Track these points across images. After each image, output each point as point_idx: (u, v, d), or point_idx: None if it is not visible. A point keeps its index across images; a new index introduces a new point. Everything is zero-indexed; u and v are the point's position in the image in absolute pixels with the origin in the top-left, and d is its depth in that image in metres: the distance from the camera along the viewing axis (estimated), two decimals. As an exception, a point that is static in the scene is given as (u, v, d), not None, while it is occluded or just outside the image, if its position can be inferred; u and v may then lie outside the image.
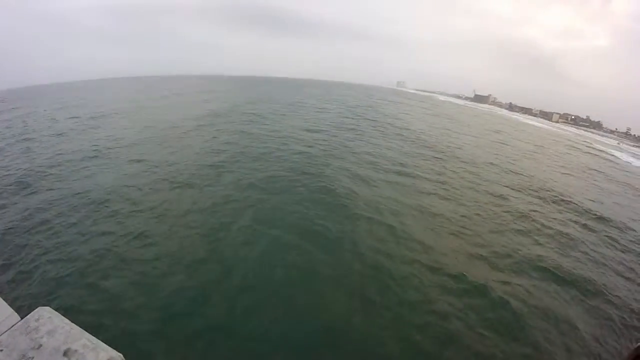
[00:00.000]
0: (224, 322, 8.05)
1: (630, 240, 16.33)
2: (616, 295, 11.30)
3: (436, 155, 26.75)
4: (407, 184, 18.54)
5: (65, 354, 1.70)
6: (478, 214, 16.12)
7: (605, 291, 11.40)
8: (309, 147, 24.22)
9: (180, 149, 22.05)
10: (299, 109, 50.16)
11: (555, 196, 21.11)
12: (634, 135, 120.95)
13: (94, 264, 10.06)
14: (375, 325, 8.32)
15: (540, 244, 14.04)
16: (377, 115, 50.69)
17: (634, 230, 17.72)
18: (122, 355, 1.79)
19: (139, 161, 19.24)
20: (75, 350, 1.72)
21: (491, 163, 27.63)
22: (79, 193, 14.95)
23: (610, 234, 16.59)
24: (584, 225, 17.10)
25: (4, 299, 2.17)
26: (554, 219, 17.31)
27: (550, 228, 15.90)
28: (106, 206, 13.72)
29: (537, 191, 21.65)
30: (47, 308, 2.04)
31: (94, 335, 1.92)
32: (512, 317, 9.25)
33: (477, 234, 14.01)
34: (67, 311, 7.65)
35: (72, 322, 1.94)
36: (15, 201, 14.49)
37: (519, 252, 12.96)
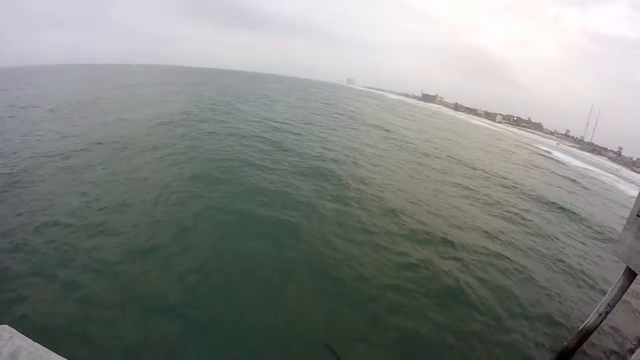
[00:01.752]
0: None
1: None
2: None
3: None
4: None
5: None
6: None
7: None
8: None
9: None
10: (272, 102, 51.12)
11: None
12: (573, 136, 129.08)
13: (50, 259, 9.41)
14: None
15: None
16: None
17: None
18: None
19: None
20: None
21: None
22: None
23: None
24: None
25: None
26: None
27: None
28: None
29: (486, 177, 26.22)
30: (6, 326, 1.76)
31: (60, 354, 1.70)
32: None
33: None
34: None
35: (35, 341, 1.72)
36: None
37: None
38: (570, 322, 10.38)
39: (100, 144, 19.62)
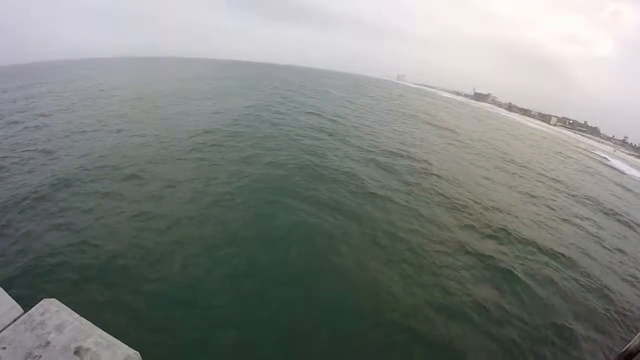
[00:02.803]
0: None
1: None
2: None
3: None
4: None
5: (76, 352, 1.50)
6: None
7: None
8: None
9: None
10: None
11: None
12: (631, 144, 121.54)
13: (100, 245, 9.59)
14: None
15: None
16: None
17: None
18: (139, 354, 1.60)
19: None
20: (88, 349, 1.51)
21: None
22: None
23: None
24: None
25: (3, 289, 1.96)
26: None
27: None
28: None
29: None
30: (53, 300, 1.82)
31: (105, 331, 1.72)
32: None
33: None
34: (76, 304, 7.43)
35: (81, 316, 1.75)
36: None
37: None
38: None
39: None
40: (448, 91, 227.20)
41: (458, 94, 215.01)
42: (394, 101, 67.16)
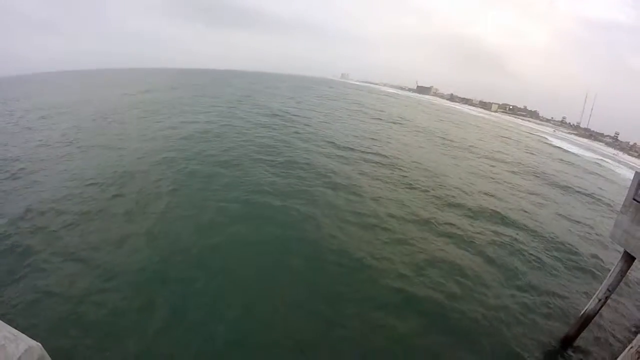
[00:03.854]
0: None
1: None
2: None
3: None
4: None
5: None
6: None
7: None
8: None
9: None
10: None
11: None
12: (569, 123, 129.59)
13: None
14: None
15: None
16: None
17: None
18: (40, 345, 1.68)
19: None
20: None
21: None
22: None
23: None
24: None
25: None
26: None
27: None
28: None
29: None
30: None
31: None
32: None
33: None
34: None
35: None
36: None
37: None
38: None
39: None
40: (392, 86, 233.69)
41: (402, 88, 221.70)
42: (340, 100, 67.76)
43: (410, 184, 18.56)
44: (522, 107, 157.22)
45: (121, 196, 13.84)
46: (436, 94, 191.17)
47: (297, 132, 27.09)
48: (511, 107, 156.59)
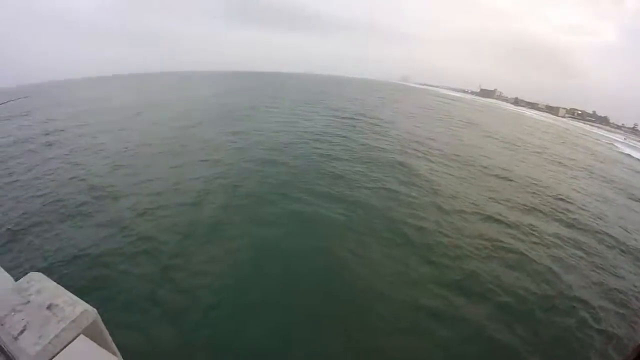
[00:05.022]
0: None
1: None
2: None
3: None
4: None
5: (48, 307, 1.96)
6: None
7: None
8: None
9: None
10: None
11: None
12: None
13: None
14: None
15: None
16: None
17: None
18: (96, 310, 2.03)
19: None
20: (57, 305, 1.98)
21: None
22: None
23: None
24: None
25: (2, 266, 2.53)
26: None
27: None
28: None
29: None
30: (39, 273, 2.32)
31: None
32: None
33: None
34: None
35: (58, 285, 2.25)
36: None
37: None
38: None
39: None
40: (454, 89, 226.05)
41: (464, 91, 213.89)
42: (406, 103, 66.88)
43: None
44: (592, 112, 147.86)
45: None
46: (499, 97, 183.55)
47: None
48: (580, 112, 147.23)
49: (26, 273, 2.32)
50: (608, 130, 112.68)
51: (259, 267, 9.98)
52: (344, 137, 26.59)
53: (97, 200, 14.13)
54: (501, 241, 12.85)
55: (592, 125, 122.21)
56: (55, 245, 10.90)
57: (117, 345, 2.20)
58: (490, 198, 17.05)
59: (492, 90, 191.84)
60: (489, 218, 14.71)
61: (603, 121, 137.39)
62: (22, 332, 1.81)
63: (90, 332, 1.92)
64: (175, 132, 26.76)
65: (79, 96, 59.73)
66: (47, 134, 26.38)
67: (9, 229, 11.87)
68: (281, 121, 32.52)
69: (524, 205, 16.97)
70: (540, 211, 16.63)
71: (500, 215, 15.10)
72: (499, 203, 16.61)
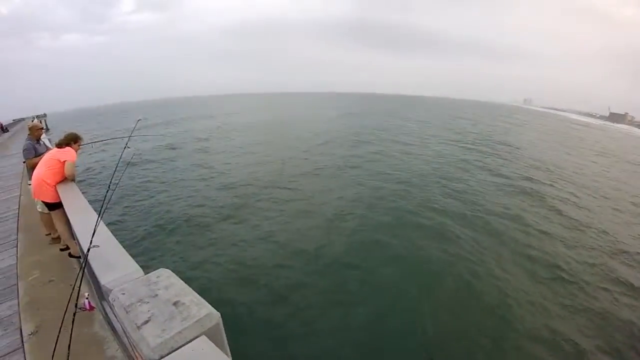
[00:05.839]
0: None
1: None
2: None
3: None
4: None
5: (174, 304, 2.00)
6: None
7: None
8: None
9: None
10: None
11: None
12: None
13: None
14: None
15: None
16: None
17: None
18: (219, 315, 2.00)
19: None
20: (183, 303, 2.00)
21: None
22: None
23: None
24: None
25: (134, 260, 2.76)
26: None
27: None
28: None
29: None
30: (168, 270, 2.42)
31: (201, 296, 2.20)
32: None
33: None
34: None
35: (185, 284, 2.24)
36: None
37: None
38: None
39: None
40: (581, 113, 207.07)
41: (592, 115, 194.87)
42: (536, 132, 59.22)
43: None
44: None
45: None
46: (631, 123, 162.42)
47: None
48: None
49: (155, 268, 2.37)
50: None
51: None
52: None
53: (241, 209, 14.67)
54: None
55: None
56: (198, 247, 11.43)
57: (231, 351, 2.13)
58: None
59: (622, 115, 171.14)
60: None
61: None
62: (146, 322, 1.86)
63: (211, 335, 1.90)
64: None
65: (221, 110, 66.94)
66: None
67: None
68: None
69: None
70: None
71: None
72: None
